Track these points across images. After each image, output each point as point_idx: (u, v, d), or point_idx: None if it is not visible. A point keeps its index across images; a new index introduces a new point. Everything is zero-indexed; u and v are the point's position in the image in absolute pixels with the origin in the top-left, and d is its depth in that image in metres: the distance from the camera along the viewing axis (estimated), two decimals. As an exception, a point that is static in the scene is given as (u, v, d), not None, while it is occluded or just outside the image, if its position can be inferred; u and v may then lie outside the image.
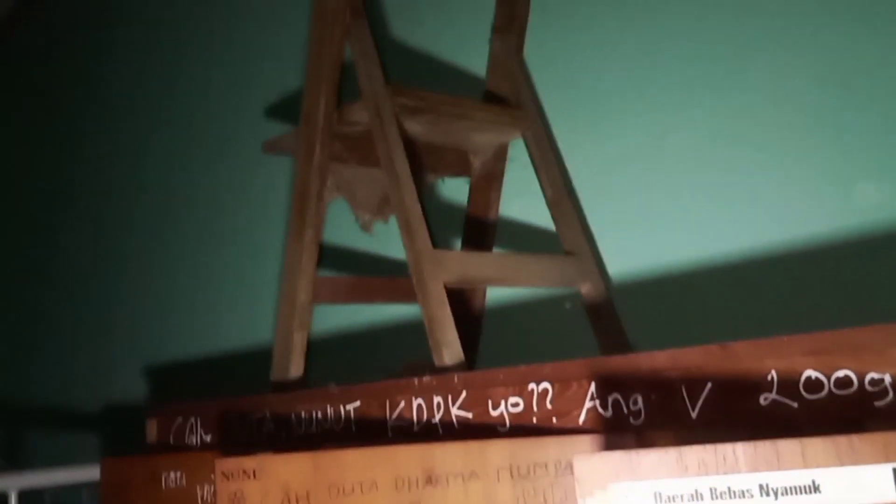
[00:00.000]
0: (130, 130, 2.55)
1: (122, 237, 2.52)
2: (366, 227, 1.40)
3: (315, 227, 1.26)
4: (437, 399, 0.97)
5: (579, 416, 0.85)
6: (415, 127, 1.30)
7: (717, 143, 1.19)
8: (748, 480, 0.55)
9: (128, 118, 2.57)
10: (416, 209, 1.11)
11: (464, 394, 0.94)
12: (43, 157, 3.10)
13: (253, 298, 1.94)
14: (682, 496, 0.56)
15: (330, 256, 1.46)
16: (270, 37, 1.99)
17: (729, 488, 0.55)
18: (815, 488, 0.54)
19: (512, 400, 0.90)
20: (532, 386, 0.88)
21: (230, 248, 2.06)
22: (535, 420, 0.88)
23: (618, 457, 0.57)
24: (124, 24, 2.62)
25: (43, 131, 3.10)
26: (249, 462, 0.92)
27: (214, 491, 1.17)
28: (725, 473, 0.56)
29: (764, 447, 0.56)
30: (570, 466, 0.81)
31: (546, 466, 0.83)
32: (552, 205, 1.28)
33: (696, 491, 0.55)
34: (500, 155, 1.43)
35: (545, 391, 0.88)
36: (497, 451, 0.84)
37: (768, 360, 0.69)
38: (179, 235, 2.26)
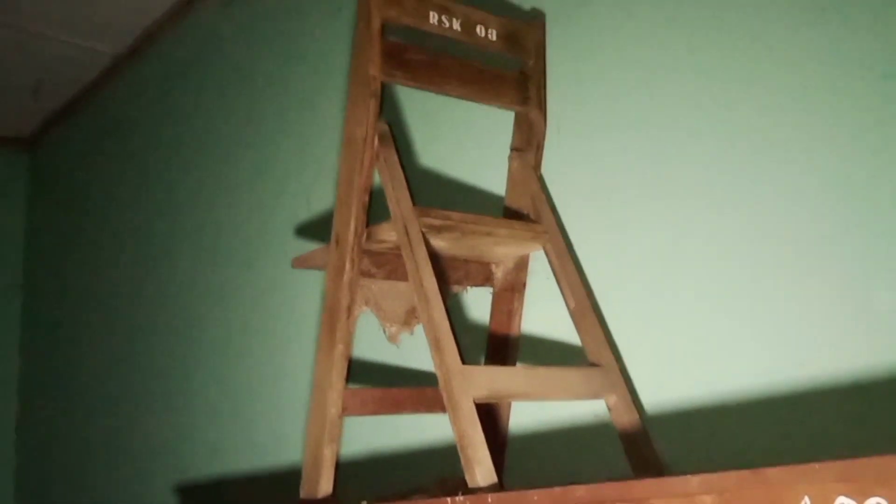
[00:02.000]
0: (160, 243, 2.61)
1: (150, 352, 2.56)
2: (393, 339, 1.43)
3: (345, 342, 1.29)
4: (470, 519, 0.98)
5: (615, 538, 0.86)
6: (440, 243, 1.35)
7: (737, 256, 1.23)
8: None
9: (157, 230, 2.64)
10: (445, 325, 1.15)
11: (498, 514, 0.95)
12: (70, 266, 3.17)
13: (282, 414, 1.96)
14: None
15: (358, 368, 1.49)
16: (301, 156, 2.07)
17: None
18: None
19: (547, 522, 0.91)
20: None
21: (259, 363, 2.09)
22: (569, 543, 0.89)
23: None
24: (153, 137, 2.72)
25: (71, 241, 3.18)
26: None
27: None
28: None
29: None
30: (607, 591, 0.82)
31: (583, 591, 0.83)
32: (575, 316, 1.32)
33: None
34: (522, 266, 1.47)
35: (580, 510, 0.89)
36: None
37: (801, 485, 0.71)
38: (208, 351, 2.30)
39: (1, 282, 3.43)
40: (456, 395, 1.10)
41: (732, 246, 1.23)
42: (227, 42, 2.41)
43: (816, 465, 0.70)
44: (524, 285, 1.48)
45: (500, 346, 1.44)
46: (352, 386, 1.32)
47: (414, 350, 1.59)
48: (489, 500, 0.97)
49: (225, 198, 2.33)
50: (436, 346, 1.14)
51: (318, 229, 1.93)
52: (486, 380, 1.15)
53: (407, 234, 1.24)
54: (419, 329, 1.47)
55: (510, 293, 1.48)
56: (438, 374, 1.13)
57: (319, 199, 1.95)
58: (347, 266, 1.30)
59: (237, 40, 2.37)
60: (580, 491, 0.89)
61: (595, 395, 1.25)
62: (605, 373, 1.25)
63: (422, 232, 1.25)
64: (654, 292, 1.32)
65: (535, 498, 0.93)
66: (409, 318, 1.43)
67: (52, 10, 2.57)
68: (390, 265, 1.39)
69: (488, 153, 1.55)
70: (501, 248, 1.42)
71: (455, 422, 1.08)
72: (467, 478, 1.05)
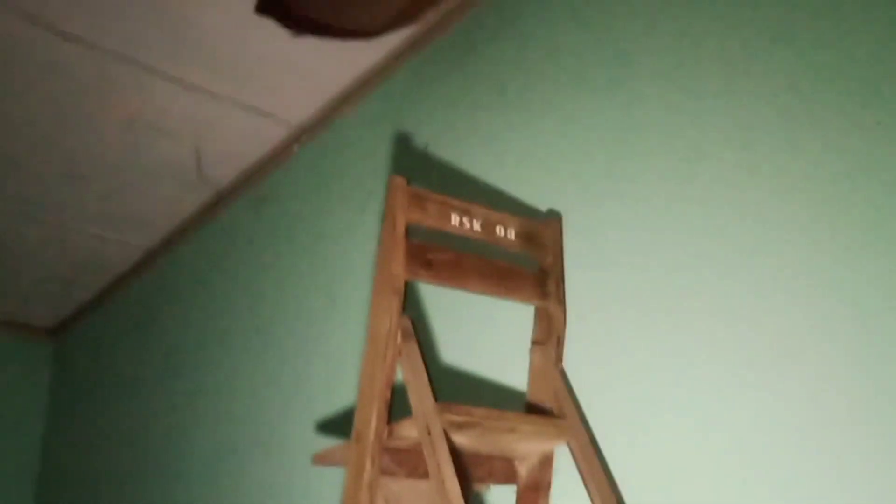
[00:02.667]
0: (180, 434, 2.60)
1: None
2: (414, 544, 1.38)
3: (364, 542, 1.25)
4: None
5: None
6: (462, 439, 1.33)
7: (765, 438, 1.20)
8: None
9: (178, 420, 2.63)
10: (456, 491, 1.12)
11: None
12: (87, 457, 3.14)
13: None
14: None
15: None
16: (325, 349, 2.10)
17: None
18: None
19: None
20: None
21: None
22: None
23: None
24: (178, 327, 2.78)
25: (90, 430, 3.17)
26: None
27: None
28: None
29: None
30: None
31: None
32: (596, 498, 1.28)
33: None
34: (547, 463, 1.45)
35: None
36: None
37: None
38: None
39: (17, 469, 3.39)
40: None
41: (771, 436, 1.21)
42: (254, 238, 2.51)
43: None
44: (549, 483, 1.44)
45: (529, 496, 1.39)
46: None
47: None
48: None
49: (248, 388, 2.33)
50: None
51: (338, 425, 1.92)
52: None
53: (429, 431, 1.24)
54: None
55: (535, 492, 1.44)
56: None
57: (340, 393, 1.95)
58: (368, 465, 1.28)
59: (265, 237, 2.46)
60: None
61: None
62: (636, 580, 1.20)
63: (444, 429, 1.25)
64: (681, 487, 1.28)
65: None
66: (430, 520, 1.39)
67: (89, 207, 2.71)
68: (412, 463, 1.37)
69: (509, 346, 1.56)
70: (525, 445, 1.40)
71: None
72: None
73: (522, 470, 1.46)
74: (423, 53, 2.04)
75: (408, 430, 1.28)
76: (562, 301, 1.51)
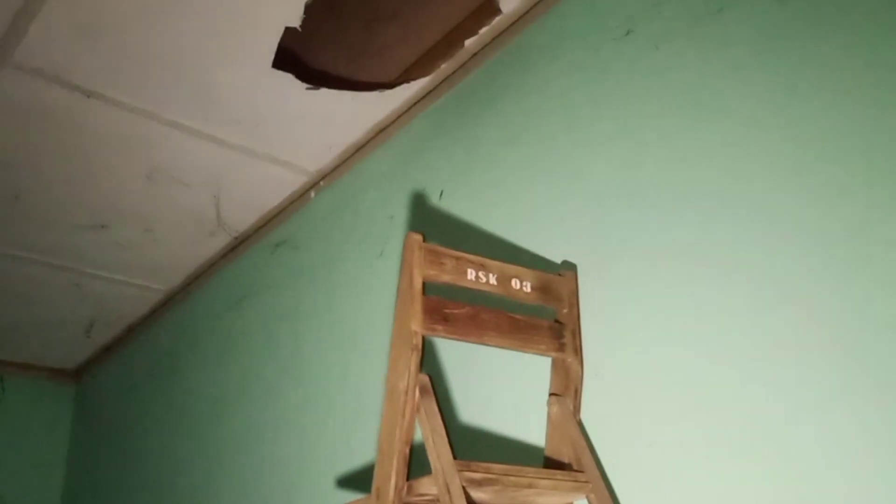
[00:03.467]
0: (199, 479, 2.61)
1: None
2: None
3: None
4: None
5: None
6: (481, 496, 1.34)
7: (794, 486, 1.20)
8: None
9: (197, 466, 2.64)
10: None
11: None
12: (107, 498, 3.16)
13: None
14: None
15: None
16: (342, 396, 2.11)
17: None
18: None
19: None
20: None
21: None
22: None
23: None
24: (197, 371, 2.80)
25: (111, 471, 3.19)
26: None
27: None
28: None
29: None
30: None
31: None
32: (622, 575, 1.27)
33: None
34: (565, 517, 1.45)
35: None
36: None
37: None
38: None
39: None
40: None
41: (790, 487, 1.21)
42: (272, 283, 2.53)
43: None
44: (568, 538, 1.44)
45: None
46: None
47: None
48: None
49: (268, 436, 2.35)
50: None
51: (357, 481, 1.92)
52: None
53: (448, 490, 1.24)
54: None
55: (553, 545, 1.44)
56: None
57: (359, 447, 1.96)
58: (390, 518, 1.29)
59: (282, 281, 2.49)
60: None
61: None
62: None
63: (463, 486, 1.25)
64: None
65: None
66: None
67: (109, 254, 2.76)
68: (429, 516, 1.37)
69: (527, 399, 1.57)
70: (544, 500, 1.40)
71: None
72: None
73: (542, 523, 1.46)
74: (438, 103, 2.08)
75: (427, 488, 1.29)
76: (579, 352, 1.52)
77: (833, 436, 1.17)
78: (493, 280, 1.48)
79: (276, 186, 2.47)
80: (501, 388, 1.66)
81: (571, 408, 1.49)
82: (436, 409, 1.34)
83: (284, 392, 2.32)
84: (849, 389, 1.17)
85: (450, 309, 1.43)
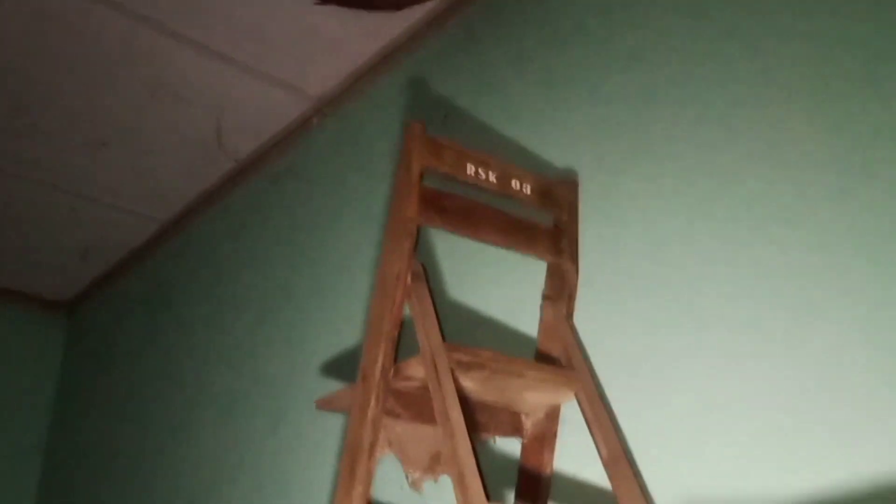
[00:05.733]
0: (186, 404, 2.60)
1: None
2: (415, 486, 1.37)
3: (365, 483, 1.25)
4: None
5: None
6: (468, 383, 1.32)
7: (780, 406, 1.19)
8: None
9: (185, 392, 2.64)
10: (470, 461, 1.11)
11: None
12: (95, 429, 3.15)
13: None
14: None
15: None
16: (329, 294, 2.11)
17: None
18: None
19: None
20: None
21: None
22: None
23: None
24: (190, 300, 2.79)
25: (99, 403, 3.18)
26: None
27: None
28: None
29: None
30: None
31: None
32: (608, 465, 1.26)
33: None
34: (553, 417, 1.43)
35: None
36: None
37: None
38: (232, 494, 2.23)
39: (24, 443, 3.39)
40: (479, 530, 1.04)
41: (774, 396, 1.20)
42: (271, 213, 2.52)
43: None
44: (555, 436, 1.43)
45: (529, 493, 1.37)
46: (369, 535, 1.26)
47: (438, 500, 1.52)
48: None
49: (262, 351, 2.34)
50: (459, 482, 1.09)
51: (343, 370, 1.92)
52: (512, 518, 1.09)
53: (435, 368, 1.23)
54: (444, 478, 1.42)
55: (540, 444, 1.43)
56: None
57: (352, 364, 1.95)
58: (372, 402, 1.28)
59: (282, 210, 2.47)
60: None
61: (628, 547, 1.16)
62: (640, 522, 1.18)
63: (450, 368, 1.24)
64: (688, 442, 1.27)
65: None
66: (433, 465, 1.38)
67: (107, 176, 2.74)
68: (417, 407, 1.36)
69: (521, 300, 1.55)
70: (532, 395, 1.38)
71: (477, 561, 1.02)
72: None
73: (528, 423, 1.45)
74: (446, 26, 2.05)
75: (414, 369, 1.28)
76: (575, 259, 1.51)
77: (837, 341, 1.15)
78: (492, 178, 1.46)
79: (278, 112, 2.45)
80: (495, 289, 1.64)
81: (564, 311, 1.47)
82: (427, 293, 1.33)
83: (277, 312, 2.31)
84: (851, 301, 1.15)
85: (447, 201, 1.41)
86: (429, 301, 1.32)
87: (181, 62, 2.26)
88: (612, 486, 1.24)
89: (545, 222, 1.51)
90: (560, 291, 1.49)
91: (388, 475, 1.52)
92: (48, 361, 3.52)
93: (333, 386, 1.91)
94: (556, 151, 1.63)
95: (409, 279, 1.33)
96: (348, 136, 2.31)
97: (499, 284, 1.63)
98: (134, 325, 3.11)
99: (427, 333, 1.27)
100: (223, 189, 2.75)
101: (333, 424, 1.87)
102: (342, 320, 2.04)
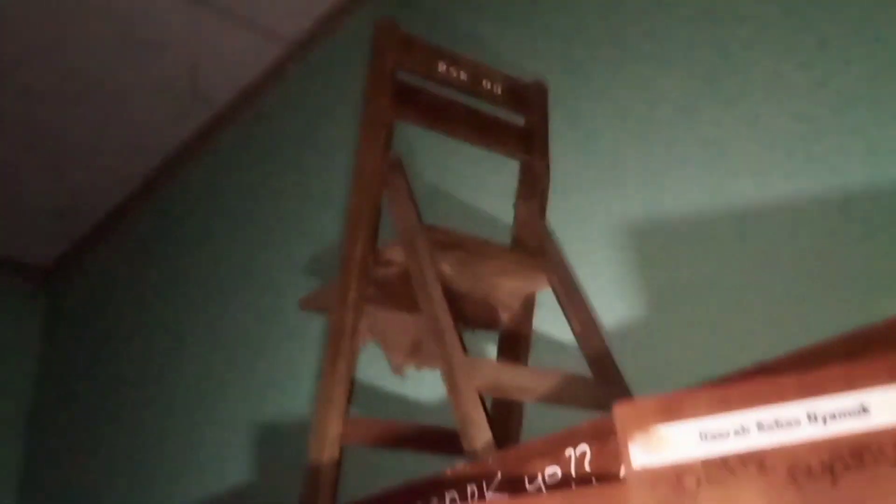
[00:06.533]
0: (169, 354, 2.63)
1: (162, 385, 2.57)
2: (397, 371, 1.41)
3: (348, 362, 1.28)
4: (470, 488, 0.93)
5: (619, 472, 0.81)
6: (446, 268, 1.36)
7: (749, 274, 1.24)
8: (795, 410, 0.54)
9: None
10: (447, 319, 1.15)
11: (498, 475, 0.91)
12: (78, 394, 3.16)
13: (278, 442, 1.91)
14: (728, 433, 0.54)
15: (364, 406, 1.45)
16: (314, 196, 2.14)
17: (776, 420, 0.54)
18: (864, 410, 0.53)
19: (549, 470, 0.87)
20: (569, 451, 0.86)
21: (263, 399, 2.07)
22: (573, 486, 0.85)
23: (659, 399, 0.57)
24: (175, 252, 2.81)
25: (82, 367, 3.19)
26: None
27: None
28: (771, 405, 0.55)
29: (809, 375, 0.55)
30: (613, 517, 0.77)
31: (588, 519, 0.78)
32: (580, 336, 1.31)
33: (742, 426, 0.54)
34: (528, 308, 1.47)
35: (583, 454, 0.85)
36: (536, 507, 0.80)
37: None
38: (212, 387, 2.29)
39: (8, 407, 3.39)
40: (459, 382, 1.08)
41: (737, 272, 1.25)
42: (252, 161, 2.54)
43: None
44: (531, 328, 1.47)
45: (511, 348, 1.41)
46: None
47: (421, 388, 1.56)
48: (490, 460, 0.93)
49: (245, 296, 2.37)
50: (438, 338, 1.13)
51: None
52: (491, 371, 1.13)
53: (414, 248, 1.27)
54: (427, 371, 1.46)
55: (516, 338, 1.47)
56: (441, 365, 1.11)
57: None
58: (353, 286, 1.31)
59: (260, 158, 2.50)
60: (584, 429, 0.86)
61: (602, 408, 1.21)
62: (611, 386, 1.23)
63: (428, 247, 1.28)
64: (661, 331, 1.32)
65: (537, 447, 0.89)
66: (414, 351, 1.42)
67: (84, 130, 2.74)
68: (397, 295, 1.39)
69: (494, 200, 1.59)
70: (507, 282, 1.42)
71: (457, 406, 1.06)
72: (465, 448, 1.01)
73: (504, 316, 1.48)
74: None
75: (393, 252, 1.31)
76: (546, 157, 1.55)
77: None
78: (463, 76, 1.49)
79: (253, 57, 2.47)
80: (469, 189, 1.68)
81: (537, 210, 1.51)
82: (404, 181, 1.36)
83: (263, 256, 2.34)
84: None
85: (420, 96, 1.44)
86: (406, 188, 1.35)
87: (154, 9, 2.28)
88: (586, 358, 1.29)
89: (516, 122, 1.55)
90: (532, 189, 1.53)
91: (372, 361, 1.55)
92: (28, 327, 3.52)
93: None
94: (525, 57, 1.68)
95: (386, 169, 1.37)
96: (322, 80, 2.34)
97: (472, 185, 1.67)
98: (118, 287, 3.12)
99: (404, 216, 1.30)
100: (201, 139, 2.76)
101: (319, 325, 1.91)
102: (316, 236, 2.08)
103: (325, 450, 1.22)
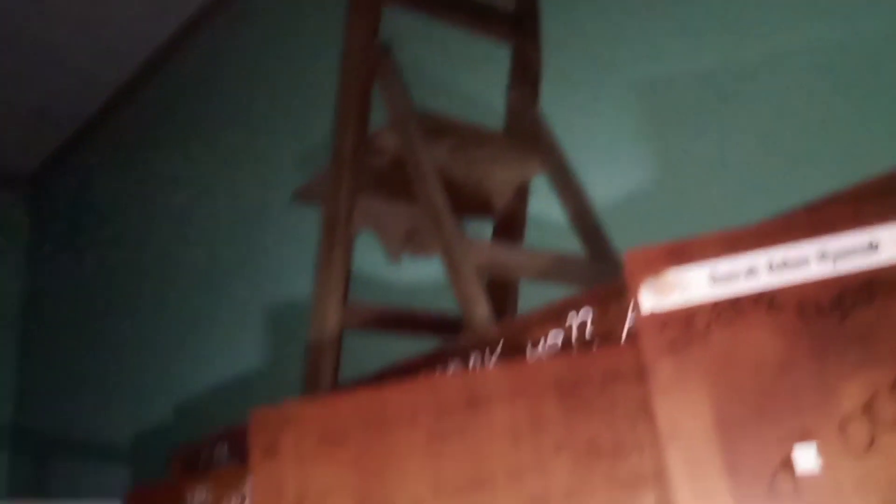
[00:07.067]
0: (163, 254, 2.63)
1: (162, 279, 2.61)
2: (393, 259, 1.42)
3: (343, 247, 1.28)
4: (473, 357, 0.95)
5: (622, 333, 0.83)
6: (439, 154, 1.35)
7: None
8: (805, 249, 0.55)
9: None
10: (443, 200, 1.14)
11: (500, 344, 0.93)
12: (71, 292, 3.16)
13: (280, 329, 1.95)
14: (738, 274, 0.55)
15: (361, 294, 1.46)
16: (304, 91, 2.12)
17: (785, 259, 0.55)
18: (873, 247, 0.54)
19: (551, 336, 0.89)
20: (571, 317, 0.87)
21: (261, 289, 2.10)
22: (575, 351, 0.86)
23: (669, 244, 0.57)
24: (161, 150, 2.77)
25: (75, 265, 3.20)
26: (286, 409, 0.89)
27: (243, 503, 1.12)
28: (781, 245, 0.55)
29: (818, 214, 0.55)
30: (616, 377, 0.79)
31: (592, 379, 0.80)
32: (574, 219, 1.31)
33: (752, 267, 0.55)
34: (522, 195, 1.47)
35: (585, 319, 0.87)
36: (541, 370, 0.82)
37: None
38: (206, 279, 2.31)
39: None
40: (457, 262, 1.08)
41: (742, 138, 1.25)
42: (231, 59, 2.49)
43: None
44: (525, 216, 1.47)
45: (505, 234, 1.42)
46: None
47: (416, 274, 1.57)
48: (492, 329, 0.94)
49: (225, 198, 2.35)
50: (435, 221, 1.13)
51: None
52: (488, 250, 1.14)
53: (407, 132, 1.25)
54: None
55: (510, 226, 1.47)
56: (440, 247, 1.12)
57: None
58: (347, 175, 1.30)
59: (242, 56, 2.45)
60: (586, 295, 0.87)
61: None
62: (605, 263, 1.24)
63: (421, 132, 1.26)
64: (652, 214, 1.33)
65: (539, 315, 0.90)
66: (409, 239, 1.42)
67: (64, 32, 2.66)
68: (391, 184, 1.38)
69: (487, 88, 1.57)
70: (501, 170, 1.42)
71: (457, 284, 1.07)
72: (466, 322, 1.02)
73: (498, 202, 1.49)
74: None
75: (386, 140, 1.30)
76: (537, 42, 1.52)
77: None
78: (452, -42, 1.45)
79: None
80: (461, 80, 1.66)
81: (530, 96, 1.49)
82: (394, 67, 1.34)
83: (249, 140, 2.32)
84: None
85: (408, -21, 1.41)
86: (396, 74, 1.33)
87: None
88: (578, 233, 1.30)
89: (506, 6, 1.51)
90: (524, 77, 1.50)
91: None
92: (14, 235, 3.49)
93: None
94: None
95: (374, 54, 1.34)
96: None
97: (464, 73, 1.65)
98: (105, 187, 3.09)
99: (396, 102, 1.28)
100: (185, 36, 2.68)
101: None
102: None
103: (326, 334, 1.23)
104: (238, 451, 1.22)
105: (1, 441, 3.25)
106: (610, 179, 1.40)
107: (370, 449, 0.83)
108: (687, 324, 0.55)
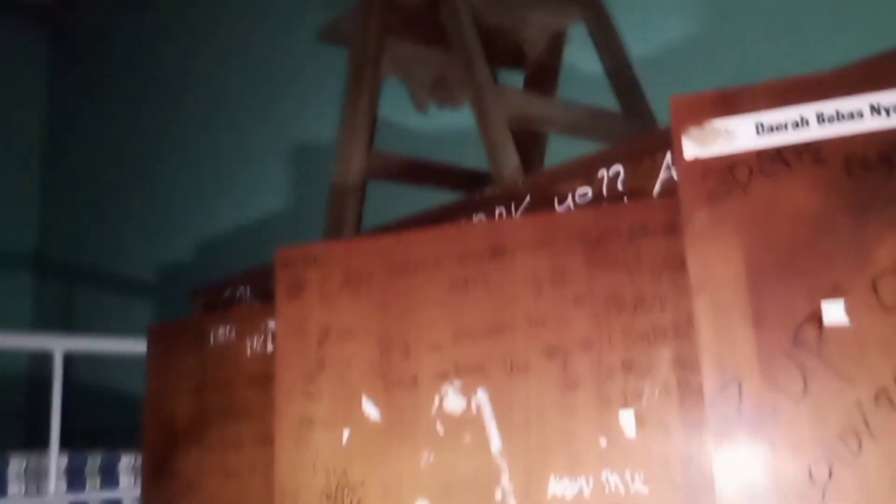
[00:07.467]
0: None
1: (179, 119, 2.63)
2: (420, 107, 1.39)
3: (370, 93, 1.25)
4: (498, 209, 0.94)
5: (653, 188, 0.81)
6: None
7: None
8: (858, 101, 0.52)
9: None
10: (478, 46, 1.10)
11: (528, 198, 0.91)
12: (91, 131, 3.17)
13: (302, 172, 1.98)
14: (785, 125, 0.52)
15: (386, 145, 1.44)
16: None
17: (837, 111, 0.52)
18: (932, 102, 0.51)
19: (580, 191, 0.87)
20: (602, 171, 0.85)
21: (281, 129, 2.11)
22: (605, 205, 0.85)
23: (717, 92, 0.54)
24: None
25: (95, 99, 3.18)
26: (311, 249, 0.89)
27: (264, 341, 1.14)
28: (833, 98, 0.52)
29: (872, 66, 0.52)
30: (644, 231, 0.78)
31: (619, 232, 0.79)
32: (612, 74, 1.27)
33: (802, 118, 0.52)
34: (557, 45, 1.42)
35: (616, 174, 0.85)
36: (567, 222, 0.81)
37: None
38: (230, 119, 2.33)
39: (21, 146, 3.40)
40: (488, 111, 1.05)
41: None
42: None
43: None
44: (558, 67, 1.42)
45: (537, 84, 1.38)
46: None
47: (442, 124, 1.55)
48: (519, 182, 0.93)
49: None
50: (467, 65, 1.10)
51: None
52: (520, 100, 1.11)
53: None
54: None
55: (543, 75, 1.42)
56: (470, 93, 1.08)
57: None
58: (376, 13, 1.25)
59: None
60: (618, 149, 0.85)
61: (630, 144, 1.20)
62: (639, 118, 1.21)
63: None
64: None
65: (568, 169, 0.88)
66: (438, 87, 1.38)
67: None
68: (420, 27, 1.33)
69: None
70: (537, 15, 1.36)
71: (486, 134, 1.04)
72: (494, 175, 1.01)
73: (531, 52, 1.43)
74: None
75: (418, -23, 1.24)
76: None
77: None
78: None
79: None
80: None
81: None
82: None
83: None
84: None
85: None
86: None
87: None
88: (613, 87, 1.26)
89: None
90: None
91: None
92: (35, 68, 3.46)
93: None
94: None
95: None
96: None
97: None
98: (125, 23, 3.03)
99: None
100: None
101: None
102: None
103: (350, 179, 1.22)
104: (260, 292, 1.24)
105: (25, 268, 3.32)
106: (651, 30, 1.33)
107: (393, 292, 0.83)
108: (728, 173, 0.53)
